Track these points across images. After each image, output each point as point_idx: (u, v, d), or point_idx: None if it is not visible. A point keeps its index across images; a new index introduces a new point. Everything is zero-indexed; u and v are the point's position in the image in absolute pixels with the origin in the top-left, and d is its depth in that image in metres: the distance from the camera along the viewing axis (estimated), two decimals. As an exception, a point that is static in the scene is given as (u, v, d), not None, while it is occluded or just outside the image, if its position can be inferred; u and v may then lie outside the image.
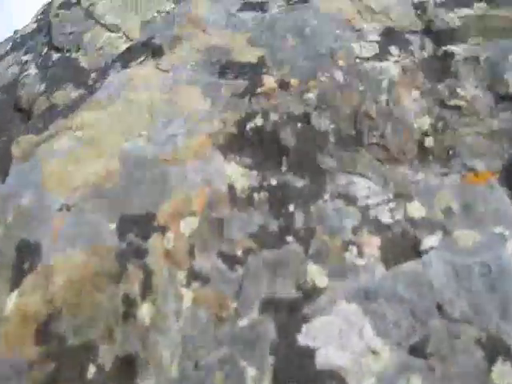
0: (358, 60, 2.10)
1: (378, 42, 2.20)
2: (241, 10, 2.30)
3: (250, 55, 2.14)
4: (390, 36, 2.24)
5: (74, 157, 1.93)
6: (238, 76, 2.10)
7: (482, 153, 2.06)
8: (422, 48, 2.23)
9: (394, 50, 2.18)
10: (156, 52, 2.24)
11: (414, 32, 2.27)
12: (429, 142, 2.04)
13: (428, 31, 2.28)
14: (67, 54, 2.41)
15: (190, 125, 1.98)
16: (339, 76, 2.07)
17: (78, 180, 1.88)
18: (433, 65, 2.20)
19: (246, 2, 2.33)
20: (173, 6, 2.41)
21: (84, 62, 2.35)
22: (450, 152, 2.06)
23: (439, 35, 2.26)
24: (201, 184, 1.86)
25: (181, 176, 1.87)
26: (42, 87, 2.29)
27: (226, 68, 2.13)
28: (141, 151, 1.93)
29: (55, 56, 2.43)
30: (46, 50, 2.50)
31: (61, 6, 2.58)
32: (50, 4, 2.80)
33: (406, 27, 2.27)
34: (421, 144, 2.04)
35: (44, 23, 2.74)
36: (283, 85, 2.06)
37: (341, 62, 2.09)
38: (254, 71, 2.11)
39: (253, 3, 2.32)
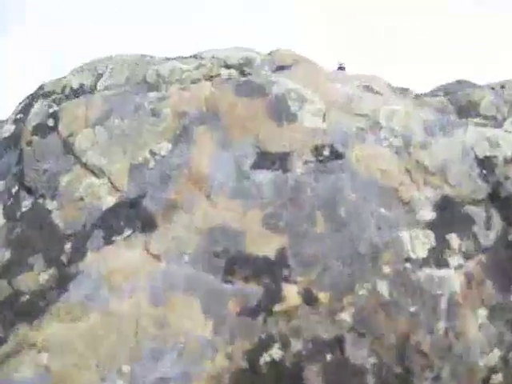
0: (408, 264, 1.54)
1: (432, 225, 1.61)
2: (256, 165, 1.70)
3: (267, 246, 1.57)
4: (448, 211, 1.65)
5: (36, 403, 1.43)
6: (249, 278, 1.55)
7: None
8: (488, 227, 1.65)
9: (453, 239, 1.59)
10: (146, 224, 1.67)
11: (478, 202, 1.68)
12: (496, 379, 1.50)
13: (495, 198, 1.69)
14: (40, 201, 1.85)
15: (185, 363, 1.43)
16: (384, 289, 1.51)
17: None
18: (501, 254, 1.62)
19: (262, 152, 1.73)
20: (169, 146, 1.82)
21: (59, 219, 1.79)
22: (522, 386, 1.52)
23: (509, 204, 1.68)
24: None
25: None
26: (6, 256, 1.75)
27: (235, 263, 1.57)
28: (121, 403, 1.41)
29: (26, 203, 1.86)
30: (16, 187, 1.93)
31: (35, 130, 1.99)
32: (32, 100, 2.21)
33: (467, 196, 1.67)
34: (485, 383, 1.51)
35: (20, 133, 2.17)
36: (309, 300, 1.50)
37: (386, 269, 1.52)
38: (271, 273, 1.54)
39: (271, 155, 1.72)
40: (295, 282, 1.52)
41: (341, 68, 2.75)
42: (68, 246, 1.72)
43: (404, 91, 2.13)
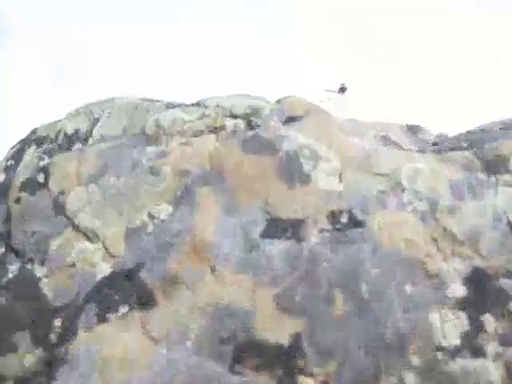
0: (439, 354, 1.35)
1: (463, 303, 1.43)
2: (265, 233, 1.51)
3: (280, 331, 1.38)
4: (480, 285, 1.46)
5: None
6: (260, 368, 1.35)
7: None
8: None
9: (488, 320, 1.40)
10: (144, 301, 1.48)
11: (513, 274, 1.49)
12: None
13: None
14: (28, 266, 1.66)
15: None
16: (411, 382, 1.32)
17: None
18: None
19: (272, 218, 1.54)
20: (170, 209, 1.63)
21: (48, 288, 1.60)
22: None
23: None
24: None
25: None
26: (-10, 334, 1.57)
27: (244, 351, 1.38)
28: None
29: (13, 267, 1.66)
30: (3, 249, 1.75)
31: (24, 186, 1.79)
32: (24, 145, 2.02)
33: (500, 267, 1.48)
34: None
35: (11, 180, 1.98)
36: (329, 396, 1.32)
37: (415, 359, 1.33)
38: (284, 363, 1.34)
39: (283, 221, 1.53)
40: (312, 375, 1.32)
41: (342, 89, 2.56)
42: (57, 322, 1.52)
43: (419, 132, 1.97)
